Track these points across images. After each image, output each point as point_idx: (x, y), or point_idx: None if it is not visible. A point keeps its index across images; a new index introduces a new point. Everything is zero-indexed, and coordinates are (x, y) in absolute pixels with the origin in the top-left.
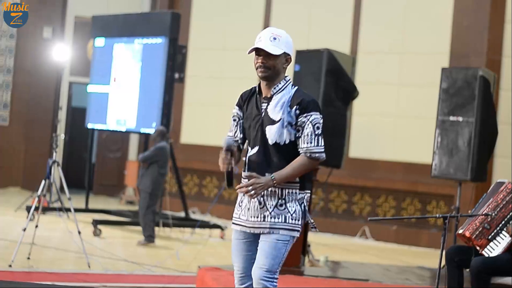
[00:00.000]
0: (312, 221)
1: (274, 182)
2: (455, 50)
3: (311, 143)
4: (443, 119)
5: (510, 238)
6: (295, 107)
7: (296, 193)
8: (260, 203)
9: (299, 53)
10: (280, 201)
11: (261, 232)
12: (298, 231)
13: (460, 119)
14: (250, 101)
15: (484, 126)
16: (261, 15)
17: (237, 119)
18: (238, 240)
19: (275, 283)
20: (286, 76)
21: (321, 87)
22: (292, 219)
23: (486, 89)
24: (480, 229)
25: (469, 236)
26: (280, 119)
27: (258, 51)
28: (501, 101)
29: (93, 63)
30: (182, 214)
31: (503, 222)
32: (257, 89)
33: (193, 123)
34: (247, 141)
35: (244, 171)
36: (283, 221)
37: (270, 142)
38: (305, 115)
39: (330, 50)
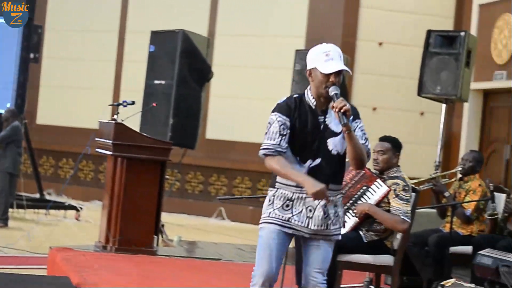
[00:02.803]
0: None
1: (348, 129)
2: (311, 34)
3: (365, 142)
4: None
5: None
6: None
7: (341, 198)
8: (324, 213)
9: (154, 33)
10: (335, 208)
11: (322, 239)
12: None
13: None
14: (300, 113)
15: None
16: None
17: (286, 129)
18: (279, 242)
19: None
20: None
21: (175, 68)
22: (340, 224)
23: None
24: None
25: None
26: (341, 130)
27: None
28: (356, 84)
29: None
30: (37, 195)
31: (350, 202)
32: (311, 103)
33: (50, 104)
34: (297, 152)
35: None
36: (339, 226)
37: (334, 152)
38: (355, 120)
39: (185, 31)
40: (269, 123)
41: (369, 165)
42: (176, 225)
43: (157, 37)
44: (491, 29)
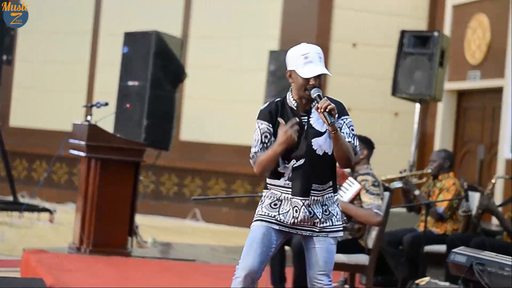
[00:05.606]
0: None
1: (334, 129)
2: (285, 35)
3: (352, 140)
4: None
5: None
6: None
7: (332, 196)
8: (310, 212)
9: (127, 35)
10: (324, 207)
11: (310, 234)
12: (342, 231)
13: None
14: (283, 116)
15: None
16: None
17: (269, 136)
18: (263, 237)
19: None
20: None
21: (149, 69)
22: (337, 221)
23: None
24: None
25: None
26: (326, 130)
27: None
28: (330, 85)
29: None
30: (10, 198)
31: None
32: (293, 104)
33: (23, 106)
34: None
35: (286, 181)
36: (331, 224)
37: (320, 152)
38: (342, 117)
39: (158, 32)
40: (254, 130)
41: None
42: (151, 226)
43: (130, 38)
44: (465, 29)
